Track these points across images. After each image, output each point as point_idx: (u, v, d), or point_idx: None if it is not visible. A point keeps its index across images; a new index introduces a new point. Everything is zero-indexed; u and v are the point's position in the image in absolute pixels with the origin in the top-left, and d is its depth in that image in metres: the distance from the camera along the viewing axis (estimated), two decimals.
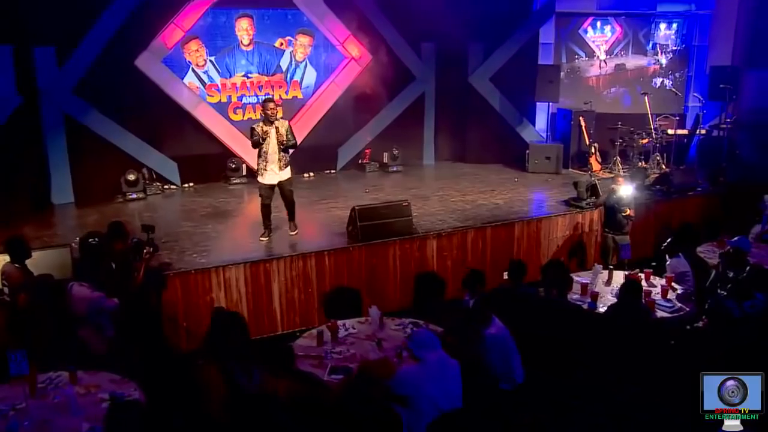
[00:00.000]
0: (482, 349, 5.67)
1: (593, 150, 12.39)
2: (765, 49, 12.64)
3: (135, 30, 10.72)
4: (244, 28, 11.77)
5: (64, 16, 9.99)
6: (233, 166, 11.85)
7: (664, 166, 11.94)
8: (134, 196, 10.79)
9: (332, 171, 12.87)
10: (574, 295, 7.30)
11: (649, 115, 12.06)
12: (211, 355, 4.84)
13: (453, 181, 11.93)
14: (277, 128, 8.19)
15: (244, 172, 11.94)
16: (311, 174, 12.53)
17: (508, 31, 13.02)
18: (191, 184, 11.74)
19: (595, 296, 7.11)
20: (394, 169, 12.82)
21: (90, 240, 6.76)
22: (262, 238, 8.54)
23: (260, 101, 8.78)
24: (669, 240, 8.13)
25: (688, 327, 6.80)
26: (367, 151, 13.01)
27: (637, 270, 7.78)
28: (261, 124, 8.25)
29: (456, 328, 5.93)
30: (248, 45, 11.86)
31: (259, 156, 8.34)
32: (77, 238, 8.37)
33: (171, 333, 7.31)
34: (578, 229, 9.83)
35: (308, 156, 12.28)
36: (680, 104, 13.45)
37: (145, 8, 10.67)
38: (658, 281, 7.64)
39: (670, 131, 12.24)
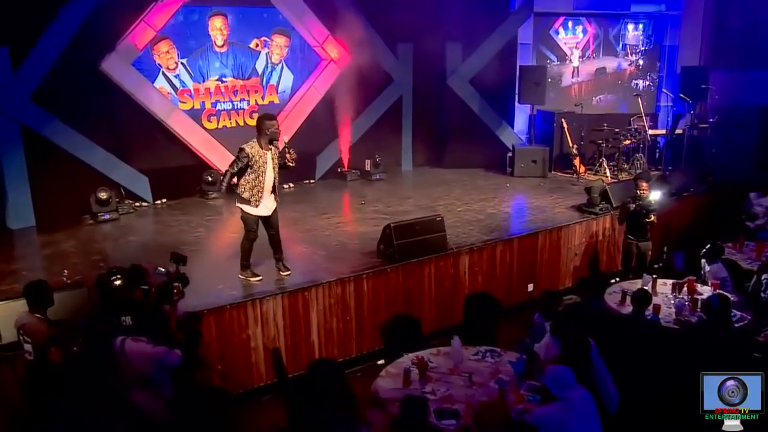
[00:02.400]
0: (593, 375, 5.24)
1: (576, 152, 12.29)
2: (727, 51, 13.02)
3: (101, 28, 9.49)
4: (217, 28, 10.73)
5: (18, 11, 8.70)
6: (210, 179, 10.77)
7: (662, 167, 12.01)
8: (107, 216, 9.52)
9: (311, 181, 12.03)
10: (628, 307, 7.05)
11: (643, 117, 12.05)
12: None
13: (444, 189, 11.41)
14: (272, 151, 6.89)
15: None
16: (291, 185, 11.64)
17: (486, 31, 12.64)
18: (164, 200, 10.55)
19: (657, 308, 6.85)
20: (377, 176, 12.16)
21: (114, 279, 5.82)
22: (255, 280, 7.14)
23: (259, 118, 7.03)
24: (708, 246, 8.00)
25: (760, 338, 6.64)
26: (345, 158, 12.27)
27: (688, 279, 7.57)
28: (255, 146, 6.81)
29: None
30: (222, 46, 10.82)
31: (250, 184, 6.89)
32: (65, 272, 7.40)
33: (204, 379, 6.36)
34: (594, 235, 9.59)
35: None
36: (652, 104, 13.60)
37: (112, 4, 9.45)
38: (703, 288, 7.48)
39: (651, 132, 12.30)
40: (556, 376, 4.66)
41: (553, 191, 11.24)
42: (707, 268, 7.85)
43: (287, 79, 11.59)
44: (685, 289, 7.37)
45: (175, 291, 5.46)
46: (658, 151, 12.70)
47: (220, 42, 10.78)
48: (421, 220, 8.00)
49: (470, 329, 7.17)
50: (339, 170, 12.28)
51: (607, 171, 11.99)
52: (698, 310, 6.95)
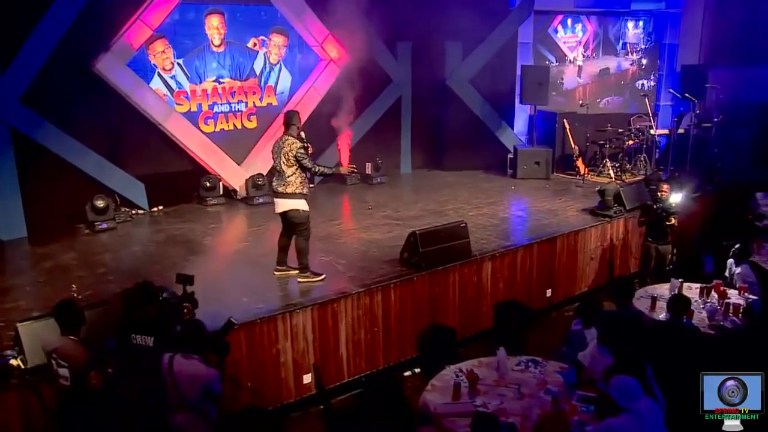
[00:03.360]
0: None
1: (578, 153, 12.16)
2: (726, 49, 13.05)
3: (94, 26, 9.05)
4: (214, 27, 10.28)
5: (5, 8, 8.20)
6: (208, 184, 10.32)
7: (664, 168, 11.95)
8: (104, 225, 9.01)
9: (311, 185, 11.55)
10: (659, 313, 6.89)
11: (651, 117, 11.96)
12: None
13: (449, 192, 11.14)
14: None
15: (221, 191, 10.46)
16: None
17: (486, 30, 12.39)
18: (160, 207, 10.08)
19: (690, 314, 6.67)
20: (378, 180, 11.83)
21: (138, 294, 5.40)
22: (319, 279, 6.97)
23: (292, 113, 7.07)
24: (736, 246, 7.88)
25: None
26: (345, 162, 11.90)
27: (715, 282, 7.43)
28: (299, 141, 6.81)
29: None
30: (219, 46, 10.38)
31: (306, 179, 6.92)
32: (73, 287, 6.92)
33: (232, 397, 5.97)
34: (609, 238, 9.42)
35: None
36: (652, 104, 13.56)
37: (104, 1, 8.97)
38: (731, 292, 7.34)
39: (653, 131, 12.23)
40: (622, 387, 4.44)
41: (559, 193, 11.06)
42: (735, 270, 7.72)
43: (285, 80, 11.19)
44: (713, 293, 7.22)
45: (185, 311, 5.23)
46: (658, 151, 12.63)
47: (217, 41, 10.33)
48: (446, 226, 7.70)
49: (501, 337, 6.96)
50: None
51: (611, 172, 11.86)
52: (730, 314, 6.86)
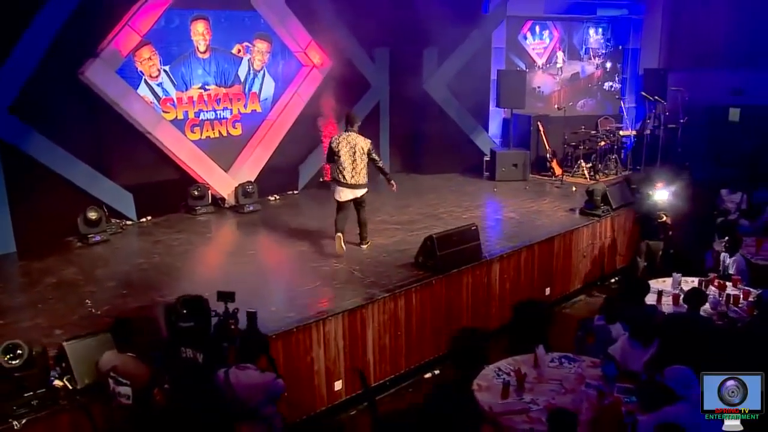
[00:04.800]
0: None
1: (551, 155, 12.55)
2: (682, 53, 13.76)
3: (81, 33, 8.72)
4: (200, 33, 10.10)
5: None
6: (197, 193, 10.13)
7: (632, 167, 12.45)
8: (98, 238, 8.74)
9: (295, 192, 11.61)
10: (665, 306, 7.22)
11: (626, 118, 12.42)
12: None
13: (435, 196, 11.29)
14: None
15: (210, 200, 10.30)
16: (276, 197, 11.20)
17: (461, 35, 12.61)
18: (149, 217, 9.84)
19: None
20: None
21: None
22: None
23: (352, 114, 8.44)
24: (727, 239, 8.29)
25: None
26: (326, 167, 11.89)
27: (712, 275, 7.83)
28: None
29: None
30: (205, 52, 10.21)
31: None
32: (87, 302, 6.70)
33: None
34: (599, 237, 9.79)
35: (271, 176, 11.00)
36: (615, 107, 14.13)
37: (92, 6, 8.70)
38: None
39: (622, 132, 12.75)
40: (679, 377, 4.68)
41: (541, 195, 11.39)
42: (728, 261, 8.13)
43: (269, 86, 11.10)
44: (711, 286, 7.59)
45: (232, 328, 5.17)
46: (624, 152, 13.16)
47: (202, 48, 10.16)
48: (459, 230, 7.84)
49: (522, 335, 7.14)
50: (321, 180, 11.90)
51: (585, 172, 12.31)
52: (731, 305, 7.24)
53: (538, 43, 13.77)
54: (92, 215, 8.72)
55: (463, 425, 4.36)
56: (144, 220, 9.76)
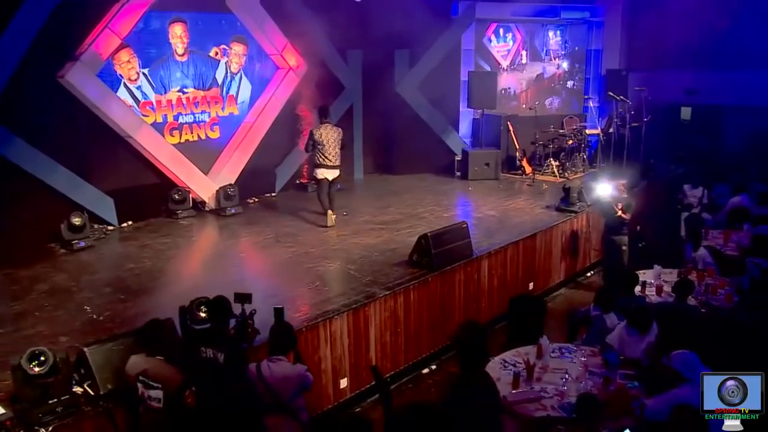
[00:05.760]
0: None
1: (521, 154, 12.91)
2: (640, 54, 14.37)
3: (60, 36, 8.58)
4: (178, 35, 10.04)
5: None
6: (177, 197, 10.06)
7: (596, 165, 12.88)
8: (83, 244, 8.60)
9: (273, 194, 11.62)
10: (649, 297, 7.54)
11: (596, 118, 12.86)
12: None
13: (412, 195, 11.49)
14: None
15: (191, 204, 10.23)
16: (255, 199, 11.21)
17: (432, 38, 12.87)
18: (129, 222, 9.72)
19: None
20: (338, 187, 11.84)
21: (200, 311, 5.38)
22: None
23: (326, 107, 9.88)
24: (692, 233, 8.66)
25: None
26: (304, 170, 11.98)
27: (688, 266, 8.22)
28: None
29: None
30: (183, 55, 10.15)
31: None
32: (86, 308, 6.61)
33: None
34: (576, 232, 10.14)
35: (249, 179, 11.01)
36: (581, 104, 14.62)
37: (70, 9, 8.56)
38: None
39: (589, 131, 13.22)
40: (685, 361, 4.91)
41: (515, 193, 11.72)
42: (692, 255, 8.50)
43: (246, 89, 11.10)
44: (689, 277, 7.95)
45: (250, 330, 5.24)
46: (589, 150, 13.62)
47: (180, 50, 10.10)
48: (450, 228, 8.04)
49: (521, 329, 7.38)
50: (298, 182, 11.97)
51: (555, 170, 12.70)
52: (710, 294, 7.59)
53: (502, 46, 14.13)
54: (76, 221, 8.59)
55: (490, 418, 4.49)
56: (125, 225, 9.65)
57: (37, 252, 8.43)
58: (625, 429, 4.66)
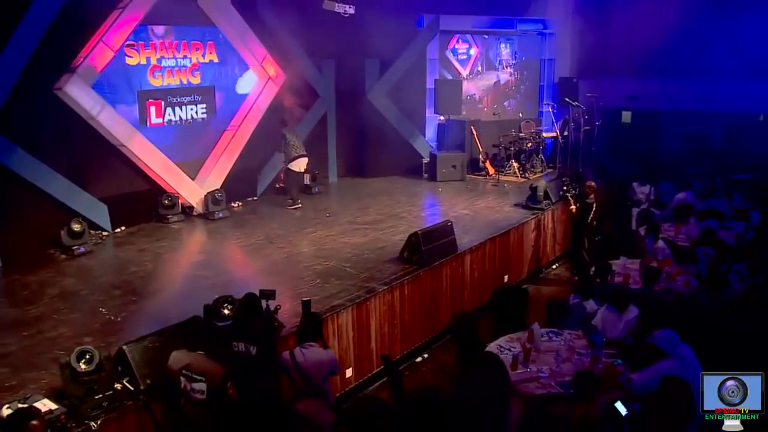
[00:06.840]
0: None
1: (484, 156, 13.73)
2: (589, 63, 15.48)
3: (57, 50, 8.91)
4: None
5: None
6: (167, 202, 10.45)
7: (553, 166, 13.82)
8: (82, 249, 8.93)
9: (254, 198, 12.09)
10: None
11: (555, 125, 13.77)
12: None
13: (388, 197, 12.18)
14: None
15: (180, 209, 10.63)
16: (239, 203, 11.66)
17: (400, 48, 13.59)
18: (122, 227, 10.07)
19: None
20: (316, 190, 12.54)
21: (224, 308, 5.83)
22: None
23: None
24: (648, 227, 9.57)
25: None
26: (282, 174, 12.46)
27: (646, 256, 9.10)
28: None
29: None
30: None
31: None
32: (102, 309, 6.98)
33: None
34: (543, 228, 10.98)
35: (232, 184, 11.46)
36: (535, 109, 15.59)
37: (67, 25, 8.90)
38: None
39: (545, 134, 14.16)
40: (666, 337, 5.59)
41: (482, 193, 12.52)
42: (657, 245, 9.40)
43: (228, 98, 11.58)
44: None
45: (277, 325, 5.71)
46: (544, 152, 14.56)
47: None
48: (438, 226, 8.72)
49: (504, 318, 8.08)
50: (277, 186, 12.46)
51: (516, 171, 13.57)
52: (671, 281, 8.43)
53: (462, 57, 15.03)
54: (76, 227, 8.92)
55: (503, 396, 4.95)
56: (118, 230, 9.98)
57: (38, 258, 8.72)
58: (617, 400, 5.34)
